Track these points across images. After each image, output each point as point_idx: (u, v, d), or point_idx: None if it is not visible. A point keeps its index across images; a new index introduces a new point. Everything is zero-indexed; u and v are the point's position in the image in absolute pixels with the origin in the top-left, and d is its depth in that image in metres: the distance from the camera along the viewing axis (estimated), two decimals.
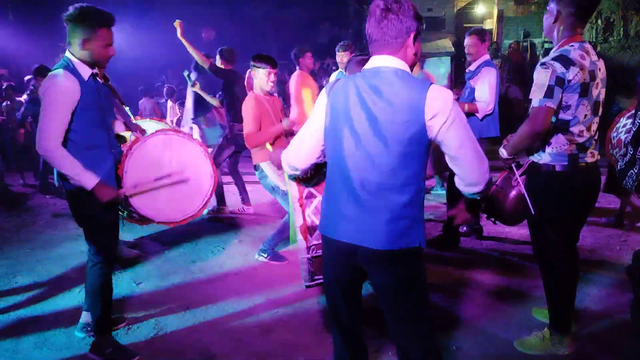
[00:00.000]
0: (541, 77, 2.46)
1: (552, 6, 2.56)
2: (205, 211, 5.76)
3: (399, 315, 1.91)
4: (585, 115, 2.52)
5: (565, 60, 2.43)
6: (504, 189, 2.97)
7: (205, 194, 3.49)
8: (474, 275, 3.89)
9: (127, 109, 3.52)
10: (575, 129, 2.54)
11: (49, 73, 2.58)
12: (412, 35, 1.84)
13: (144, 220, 3.22)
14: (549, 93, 2.43)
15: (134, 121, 3.51)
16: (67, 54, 2.65)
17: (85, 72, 2.63)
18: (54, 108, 2.52)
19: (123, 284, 3.94)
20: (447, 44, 11.95)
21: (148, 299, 3.66)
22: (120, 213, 3.10)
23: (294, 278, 3.84)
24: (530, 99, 2.53)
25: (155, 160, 3.19)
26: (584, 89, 2.46)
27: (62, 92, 2.53)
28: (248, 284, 3.88)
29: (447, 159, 1.87)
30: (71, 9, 2.57)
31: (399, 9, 1.81)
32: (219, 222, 5.59)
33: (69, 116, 2.56)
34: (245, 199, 5.94)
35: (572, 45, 2.49)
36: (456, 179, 1.93)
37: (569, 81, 2.43)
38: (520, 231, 4.57)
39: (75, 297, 3.74)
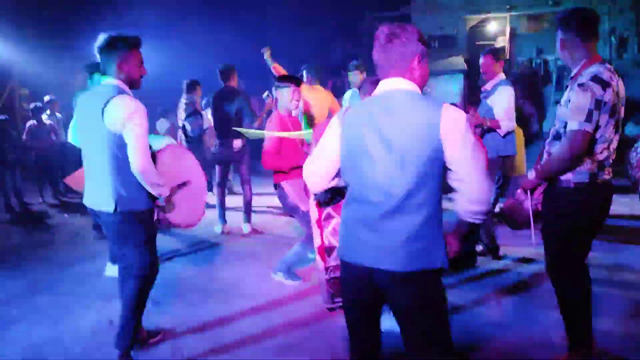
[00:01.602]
0: (581, 100, 2.47)
1: (557, 34, 2.65)
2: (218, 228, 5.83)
3: (418, 338, 1.90)
4: (610, 135, 2.56)
5: (601, 82, 2.46)
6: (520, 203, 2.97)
7: (204, 198, 3.58)
8: (491, 295, 3.86)
9: None
10: (598, 148, 2.57)
11: (116, 99, 2.69)
12: (417, 58, 1.88)
13: (173, 227, 3.35)
14: (588, 117, 2.45)
15: None
16: (110, 80, 2.78)
17: (131, 94, 2.80)
18: (143, 128, 2.70)
19: None
20: (459, 61, 11.99)
21: (165, 319, 3.68)
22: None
23: (310, 298, 3.85)
24: (564, 120, 2.56)
25: (171, 172, 3.26)
26: (614, 109, 2.51)
27: (143, 113, 2.73)
28: (265, 303, 3.89)
29: (452, 176, 1.86)
30: (101, 38, 2.74)
31: (401, 33, 1.87)
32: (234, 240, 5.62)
33: None
34: (222, 215, 5.95)
35: (600, 66, 2.53)
36: (457, 198, 1.91)
37: (605, 103, 2.46)
38: (538, 250, 4.53)
39: (94, 316, 3.78)
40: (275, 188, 4.12)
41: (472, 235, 4.42)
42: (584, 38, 2.57)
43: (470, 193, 1.87)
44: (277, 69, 5.72)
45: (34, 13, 11.57)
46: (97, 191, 2.85)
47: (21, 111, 10.87)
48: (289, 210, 4.11)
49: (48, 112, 8.47)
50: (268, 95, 6.09)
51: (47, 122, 8.27)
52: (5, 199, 7.73)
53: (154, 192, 2.79)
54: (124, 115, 2.65)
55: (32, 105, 8.50)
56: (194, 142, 6.74)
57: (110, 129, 2.68)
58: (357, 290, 1.99)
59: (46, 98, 8.76)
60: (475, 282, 4.11)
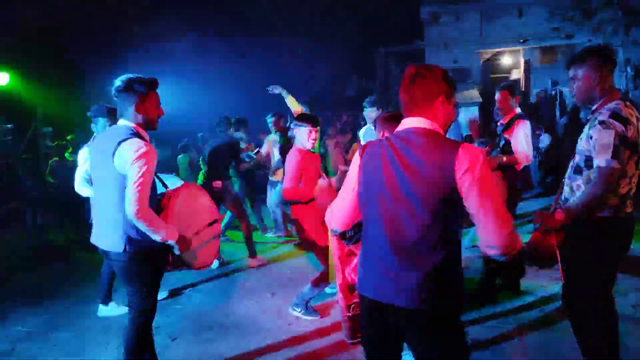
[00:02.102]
0: (605, 137, 2.48)
1: (587, 71, 2.62)
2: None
3: None
4: (632, 170, 2.57)
5: (621, 119, 2.49)
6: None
7: (219, 236, 3.55)
8: (512, 331, 3.78)
9: None
10: (622, 183, 2.57)
11: (127, 142, 2.69)
12: (441, 98, 1.91)
13: (186, 268, 3.32)
14: (615, 153, 2.46)
15: None
16: (124, 122, 2.82)
17: (146, 137, 2.83)
18: (147, 173, 2.67)
19: (158, 338, 3.96)
20: (474, 94, 12.07)
21: (183, 356, 3.68)
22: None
23: (329, 334, 3.82)
24: (585, 154, 2.58)
25: (190, 211, 3.24)
26: (635, 146, 2.52)
27: (151, 157, 2.70)
28: (282, 339, 3.86)
29: (471, 217, 1.84)
30: (119, 81, 2.77)
31: (426, 73, 1.90)
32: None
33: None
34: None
35: (618, 104, 2.55)
36: (479, 237, 1.87)
37: (628, 139, 2.48)
38: (560, 284, 4.45)
39: (113, 352, 3.79)
40: (293, 223, 4.15)
41: (491, 270, 4.37)
42: (603, 74, 2.60)
43: (485, 237, 1.82)
44: (292, 102, 5.87)
45: (57, 55, 12.01)
46: (107, 231, 2.85)
47: (44, 150, 11.18)
48: (306, 244, 4.13)
49: (70, 149, 8.72)
50: (258, 152, 6.35)
51: (70, 159, 8.50)
52: (27, 234, 7.87)
53: (154, 238, 2.73)
54: (132, 156, 2.65)
55: (55, 144, 8.77)
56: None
57: (119, 171, 2.69)
58: (375, 324, 1.99)
59: (68, 137, 9.03)
60: (495, 318, 4.03)
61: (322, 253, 4.00)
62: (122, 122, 2.83)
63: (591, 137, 2.58)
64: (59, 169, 8.38)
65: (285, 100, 5.81)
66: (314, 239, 4.01)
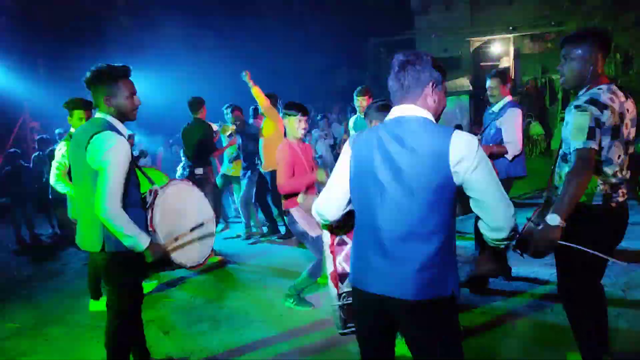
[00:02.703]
0: (580, 120, 2.47)
1: (583, 52, 2.57)
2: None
3: None
4: (619, 157, 2.56)
5: (597, 104, 2.46)
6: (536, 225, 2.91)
7: (213, 234, 3.49)
8: (503, 318, 3.80)
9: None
10: (609, 170, 2.56)
11: (98, 135, 2.56)
12: (430, 84, 1.88)
13: (177, 267, 3.24)
14: (591, 134, 2.43)
15: None
16: (99, 114, 2.70)
17: (123, 129, 2.70)
18: (116, 169, 2.53)
19: (150, 332, 3.94)
20: (464, 82, 12.10)
21: (175, 349, 3.66)
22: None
23: (321, 325, 3.81)
24: (569, 142, 2.53)
25: (177, 210, 3.15)
26: (615, 131, 2.50)
27: (122, 151, 2.56)
28: (275, 331, 3.85)
29: (471, 203, 1.85)
30: (87, 72, 2.64)
31: (416, 60, 1.87)
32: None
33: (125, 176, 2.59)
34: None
35: (600, 88, 2.53)
36: (480, 224, 1.90)
37: (603, 123, 2.46)
38: (550, 271, 4.47)
39: (103, 347, 3.76)
40: (285, 214, 4.13)
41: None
42: (597, 58, 2.56)
43: (488, 220, 1.83)
44: (258, 92, 5.84)
45: (44, 46, 11.87)
46: (85, 229, 2.75)
47: (32, 144, 11.11)
48: (298, 236, 4.12)
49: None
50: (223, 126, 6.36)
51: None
52: (16, 230, 7.81)
53: (123, 242, 2.56)
54: (101, 151, 2.52)
55: (37, 137, 8.68)
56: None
57: (92, 166, 2.56)
58: (369, 317, 1.98)
59: (57, 131, 8.93)
60: (487, 305, 4.05)
61: (314, 244, 3.98)
62: (97, 114, 2.72)
63: (567, 123, 2.56)
64: (39, 163, 8.29)
65: (251, 90, 5.80)
66: (306, 230, 3.99)
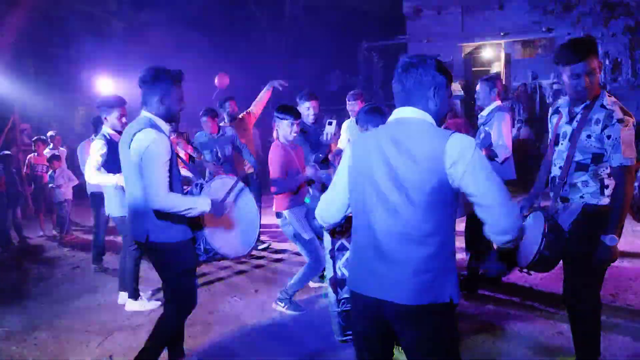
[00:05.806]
0: (627, 135, 2.51)
1: (596, 62, 2.57)
2: None
3: None
4: (638, 159, 2.61)
5: (628, 112, 2.53)
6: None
7: (257, 227, 3.51)
8: (494, 322, 3.81)
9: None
10: None
11: (140, 132, 2.70)
12: (432, 88, 1.87)
13: (221, 259, 3.27)
14: (636, 149, 2.53)
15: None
16: (145, 113, 2.82)
17: (165, 127, 2.83)
18: (158, 162, 2.66)
19: (140, 336, 3.91)
20: (456, 87, 12.15)
21: (165, 353, 3.63)
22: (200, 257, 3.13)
23: (313, 329, 3.80)
24: (592, 152, 2.60)
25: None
26: None
27: (163, 146, 2.69)
28: (266, 335, 3.84)
29: (474, 207, 1.81)
30: (145, 72, 2.78)
31: (419, 63, 1.87)
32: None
33: (168, 170, 2.72)
34: None
35: (610, 97, 2.59)
36: (485, 228, 1.84)
37: None
38: (540, 275, 4.49)
39: (93, 351, 3.73)
40: (278, 217, 4.13)
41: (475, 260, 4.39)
42: (598, 66, 2.57)
43: (493, 222, 1.78)
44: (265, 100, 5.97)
45: (34, 49, 11.78)
46: (133, 221, 2.90)
47: (22, 146, 11.01)
48: (291, 238, 4.11)
49: (51, 146, 8.57)
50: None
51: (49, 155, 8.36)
52: (4, 234, 7.71)
53: (191, 216, 2.74)
54: (143, 147, 2.66)
55: (33, 139, 8.65)
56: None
57: (135, 162, 2.70)
58: (367, 321, 1.95)
59: (49, 133, 8.88)
60: (478, 310, 4.06)
61: (307, 247, 3.98)
62: (143, 112, 2.85)
63: (609, 137, 2.53)
64: (36, 165, 8.25)
65: (264, 94, 5.92)
66: (299, 233, 3.99)
